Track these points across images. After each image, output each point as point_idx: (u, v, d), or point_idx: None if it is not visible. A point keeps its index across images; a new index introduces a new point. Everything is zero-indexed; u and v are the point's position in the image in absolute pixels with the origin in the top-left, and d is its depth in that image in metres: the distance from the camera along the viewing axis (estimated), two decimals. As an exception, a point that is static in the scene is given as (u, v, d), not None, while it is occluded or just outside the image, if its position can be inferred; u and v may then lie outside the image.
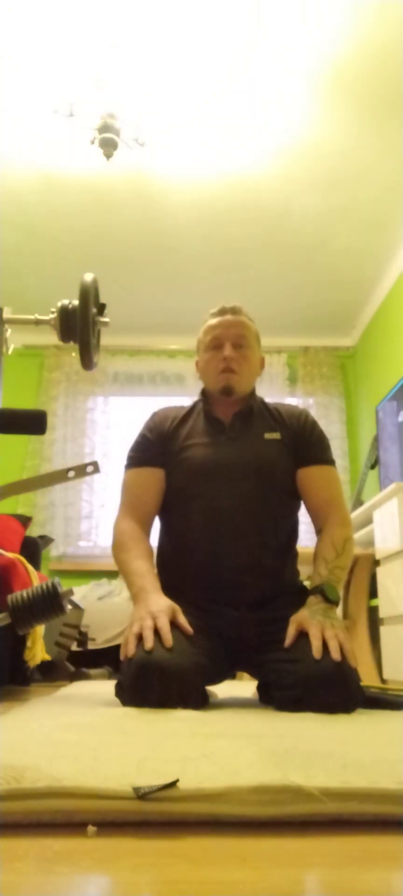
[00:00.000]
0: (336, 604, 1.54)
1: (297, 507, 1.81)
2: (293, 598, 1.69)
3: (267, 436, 1.75)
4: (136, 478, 1.77)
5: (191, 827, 0.61)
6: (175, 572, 1.74)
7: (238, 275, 4.20)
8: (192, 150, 3.17)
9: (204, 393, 1.87)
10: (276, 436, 1.75)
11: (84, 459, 4.55)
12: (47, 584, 1.73)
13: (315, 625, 1.43)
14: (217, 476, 1.69)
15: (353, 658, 1.41)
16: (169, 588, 1.64)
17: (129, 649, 1.37)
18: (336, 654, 1.36)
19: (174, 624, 1.43)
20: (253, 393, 1.86)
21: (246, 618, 1.65)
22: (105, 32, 2.57)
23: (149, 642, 1.34)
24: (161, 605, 1.45)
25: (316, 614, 1.47)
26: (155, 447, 1.77)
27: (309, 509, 1.77)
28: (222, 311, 1.82)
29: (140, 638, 1.38)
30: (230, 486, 1.68)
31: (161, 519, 1.83)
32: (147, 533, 1.73)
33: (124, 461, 1.82)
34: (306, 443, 1.77)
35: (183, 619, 1.45)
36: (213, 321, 1.82)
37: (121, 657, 1.41)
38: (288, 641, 1.46)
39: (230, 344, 1.77)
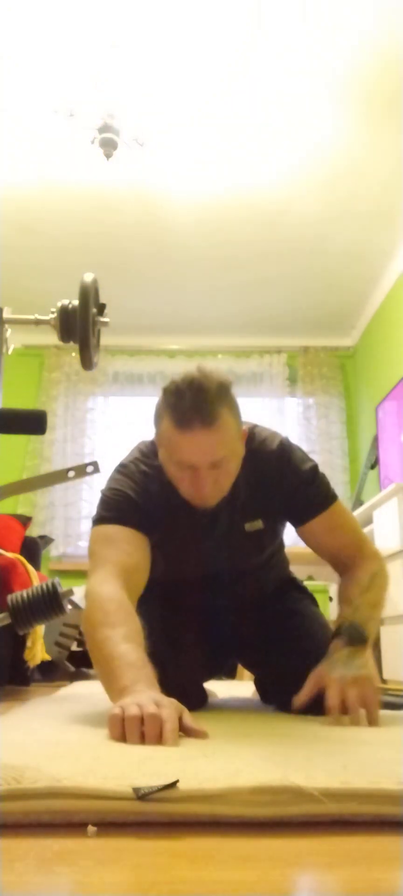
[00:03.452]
0: (364, 643, 1.28)
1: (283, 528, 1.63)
2: (283, 588, 1.68)
3: (248, 527, 1.47)
4: (127, 535, 1.37)
5: (191, 827, 0.61)
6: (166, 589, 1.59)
7: (238, 275, 4.20)
8: (192, 150, 3.17)
9: None
10: (258, 525, 1.48)
11: (84, 459, 4.54)
12: (47, 584, 1.73)
13: (334, 684, 1.18)
14: (203, 579, 1.54)
15: (377, 715, 1.18)
16: (156, 590, 1.50)
17: (131, 737, 0.88)
18: (352, 723, 1.14)
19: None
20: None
21: (244, 619, 1.65)
22: (105, 32, 2.57)
23: (155, 736, 0.88)
24: (164, 698, 0.98)
25: (337, 665, 1.23)
26: (144, 516, 1.41)
27: (324, 558, 1.53)
28: (189, 422, 1.27)
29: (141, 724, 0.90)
30: (216, 585, 1.56)
31: None
32: (134, 608, 1.25)
33: (97, 515, 1.44)
34: (298, 503, 1.47)
35: (190, 721, 0.96)
36: (178, 435, 1.29)
37: (113, 737, 0.91)
38: (302, 699, 1.24)
39: (205, 468, 1.32)
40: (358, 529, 1.52)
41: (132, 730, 0.88)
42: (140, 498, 1.42)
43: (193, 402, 1.27)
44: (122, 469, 1.48)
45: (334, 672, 1.20)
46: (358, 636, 1.27)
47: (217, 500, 1.37)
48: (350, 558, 1.45)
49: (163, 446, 1.37)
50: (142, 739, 0.87)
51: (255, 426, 1.53)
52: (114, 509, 1.40)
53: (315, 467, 1.49)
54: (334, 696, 1.15)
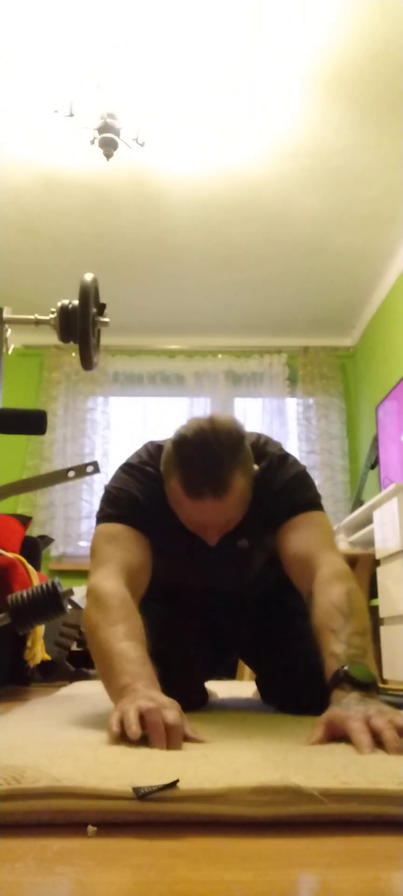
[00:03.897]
0: (373, 686, 1.02)
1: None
2: (283, 585, 1.68)
3: (240, 543, 1.46)
4: (131, 535, 1.35)
5: (192, 827, 0.61)
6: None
7: (238, 275, 4.20)
8: (192, 149, 3.17)
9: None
10: (245, 543, 1.47)
11: (84, 459, 4.54)
12: (47, 584, 1.73)
13: (353, 718, 0.91)
14: (201, 588, 1.58)
15: None
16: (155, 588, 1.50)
17: (131, 731, 0.86)
18: (395, 747, 0.84)
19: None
20: None
21: (244, 618, 1.65)
22: (105, 32, 2.57)
23: (160, 738, 0.86)
24: (165, 699, 0.95)
25: (351, 704, 0.96)
26: (147, 518, 1.38)
27: (289, 573, 1.38)
28: (199, 493, 1.25)
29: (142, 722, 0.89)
30: (215, 593, 1.59)
31: None
32: (137, 607, 1.23)
33: (101, 512, 1.42)
34: (274, 507, 1.39)
35: (189, 730, 0.94)
36: (188, 501, 1.27)
37: (112, 740, 0.89)
38: (312, 742, 0.94)
39: (214, 526, 1.32)
40: (330, 539, 1.37)
41: (131, 728, 0.86)
42: (145, 499, 1.39)
43: (204, 473, 1.23)
44: (129, 469, 1.46)
45: (350, 710, 0.94)
46: (365, 676, 1.02)
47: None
48: (318, 568, 1.25)
49: (171, 497, 1.33)
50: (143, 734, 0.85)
51: (263, 451, 1.46)
52: (119, 507, 1.38)
53: (300, 472, 1.45)
54: (360, 730, 0.88)
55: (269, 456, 1.45)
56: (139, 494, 1.40)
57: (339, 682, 1.03)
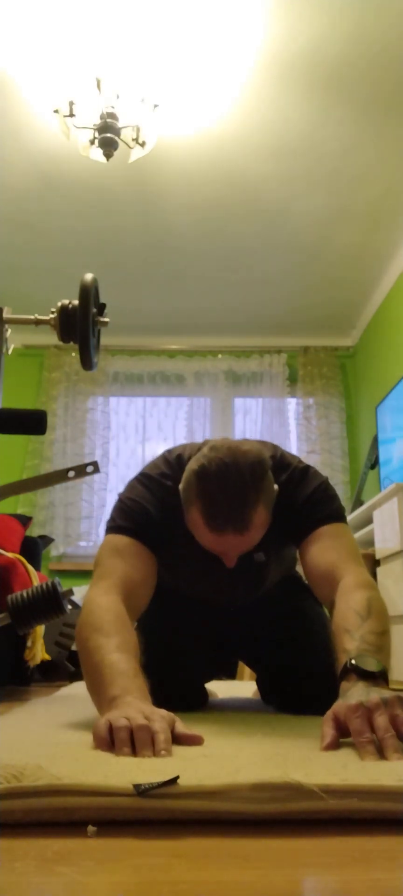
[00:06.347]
0: (380, 676, 1.00)
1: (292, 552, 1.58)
2: (286, 585, 1.67)
3: (256, 557, 1.45)
4: (138, 550, 1.33)
5: (192, 826, 0.61)
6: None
7: (238, 275, 4.19)
8: (193, 149, 3.17)
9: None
10: (261, 557, 1.46)
11: (84, 459, 4.54)
12: (47, 584, 1.73)
13: (355, 713, 0.89)
14: (210, 599, 1.57)
15: None
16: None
17: (120, 748, 0.83)
18: (393, 754, 0.82)
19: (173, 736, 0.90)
20: None
21: (246, 618, 1.65)
22: (105, 32, 2.57)
23: (146, 747, 0.83)
24: (155, 710, 0.93)
25: (354, 694, 0.95)
26: (158, 533, 1.37)
27: (312, 586, 1.38)
28: (221, 528, 1.24)
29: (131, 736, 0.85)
30: (220, 610, 1.60)
31: None
32: (133, 623, 1.24)
33: (111, 522, 1.40)
34: (297, 522, 1.39)
35: (184, 729, 0.92)
36: (209, 534, 1.26)
37: (97, 745, 0.88)
38: (324, 745, 0.90)
39: (234, 554, 1.32)
40: (355, 552, 1.34)
41: (120, 742, 0.83)
42: (158, 514, 1.37)
43: (227, 510, 1.21)
44: (145, 480, 1.43)
45: (352, 700, 0.92)
46: (372, 666, 1.00)
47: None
48: (342, 579, 1.23)
49: (191, 524, 1.30)
50: (132, 750, 0.82)
51: (283, 463, 1.44)
52: (129, 520, 1.36)
53: (322, 483, 1.43)
54: (359, 724, 0.87)
55: (290, 469, 1.43)
56: (152, 509, 1.37)
57: (346, 673, 1.02)
